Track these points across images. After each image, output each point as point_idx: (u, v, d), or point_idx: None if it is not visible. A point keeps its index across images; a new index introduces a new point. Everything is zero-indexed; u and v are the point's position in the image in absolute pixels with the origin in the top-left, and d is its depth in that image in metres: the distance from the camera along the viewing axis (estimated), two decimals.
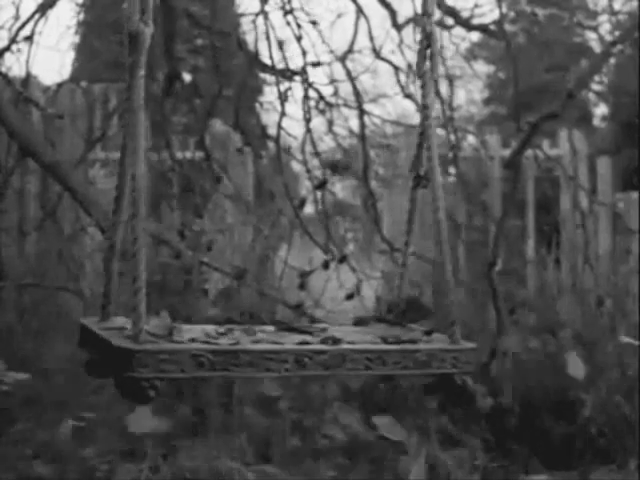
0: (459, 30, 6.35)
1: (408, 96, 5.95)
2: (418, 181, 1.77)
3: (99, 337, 1.48)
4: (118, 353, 1.38)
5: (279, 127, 5.25)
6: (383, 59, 6.16)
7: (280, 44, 5.08)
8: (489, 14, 6.28)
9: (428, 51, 1.71)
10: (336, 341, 1.54)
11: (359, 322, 1.77)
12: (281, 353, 1.46)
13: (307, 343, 1.53)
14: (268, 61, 5.21)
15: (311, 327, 1.66)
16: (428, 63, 1.71)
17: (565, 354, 4.40)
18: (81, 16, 6.48)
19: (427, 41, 1.71)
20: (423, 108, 1.72)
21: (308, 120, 5.26)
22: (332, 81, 6.03)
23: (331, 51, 5.67)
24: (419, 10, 1.74)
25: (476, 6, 6.04)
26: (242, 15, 7.04)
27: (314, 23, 5.20)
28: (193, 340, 1.46)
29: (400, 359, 1.54)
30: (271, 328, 1.66)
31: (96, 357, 1.52)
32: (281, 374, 1.46)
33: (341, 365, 1.49)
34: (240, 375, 1.44)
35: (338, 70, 6.10)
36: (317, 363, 1.48)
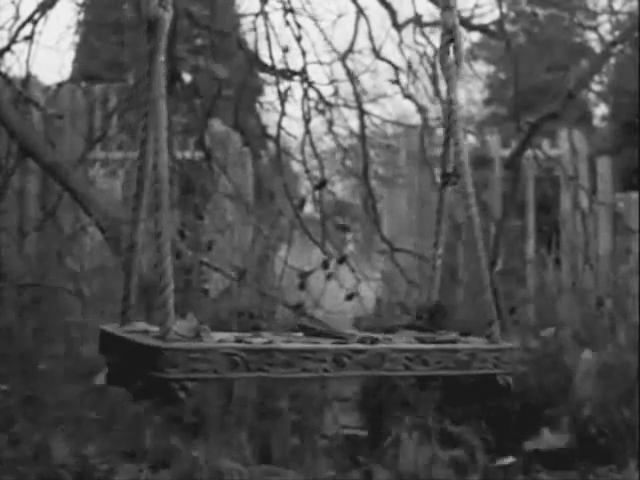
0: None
1: (408, 96, 5.94)
2: (447, 179, 1.70)
3: (123, 339, 1.40)
4: (145, 352, 1.30)
5: (279, 127, 5.26)
6: (383, 59, 6.15)
7: (284, 50, 5.08)
8: (489, 14, 6.28)
9: (451, 45, 1.67)
10: (374, 341, 1.48)
11: (388, 329, 1.68)
12: (318, 352, 1.39)
13: (343, 342, 1.46)
14: (268, 61, 5.21)
15: (342, 332, 1.55)
16: (452, 57, 1.67)
17: (567, 353, 4.39)
18: (81, 16, 6.47)
19: (449, 35, 1.67)
20: (449, 103, 1.66)
21: (308, 120, 5.26)
22: (332, 81, 6.03)
23: (332, 50, 5.67)
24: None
25: (476, 6, 6.04)
26: (242, 15, 7.04)
27: (315, 20, 5.20)
28: (222, 341, 1.38)
29: (441, 359, 1.48)
30: (299, 334, 1.56)
31: (118, 363, 1.43)
32: (319, 374, 1.39)
33: (381, 365, 1.43)
34: (276, 376, 1.36)
35: (338, 70, 6.10)
36: (356, 362, 1.41)
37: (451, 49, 1.68)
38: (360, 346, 1.45)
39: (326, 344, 1.44)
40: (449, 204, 1.70)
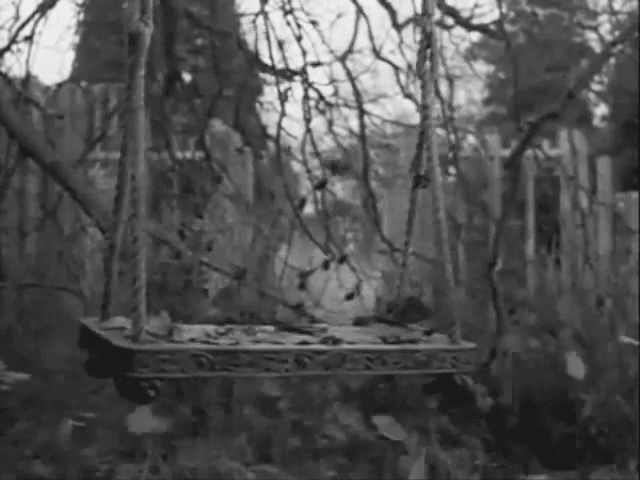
0: (459, 30, 6.35)
1: (408, 96, 5.94)
2: (418, 181, 1.77)
3: (99, 337, 1.48)
4: (118, 353, 1.38)
5: (279, 127, 5.25)
6: (383, 59, 6.15)
7: (280, 44, 5.08)
8: (489, 14, 6.29)
9: (428, 51, 1.71)
10: (336, 341, 1.54)
11: (359, 322, 1.77)
12: (281, 353, 1.46)
13: (307, 343, 1.53)
14: (268, 61, 5.21)
15: (311, 327, 1.66)
16: (428, 63, 1.71)
17: (565, 354, 4.40)
18: (81, 16, 6.48)
19: (427, 41, 1.71)
20: (423, 108, 1.72)
21: (308, 120, 5.26)
22: (332, 81, 6.03)
23: (331, 51, 5.67)
24: (419, 10, 1.74)
25: (476, 6, 6.05)
26: (242, 15, 7.04)
27: (314, 23, 5.20)
28: (193, 340, 1.46)
29: (400, 359, 1.54)
30: (271, 328, 1.66)
31: (96, 357, 1.52)
32: (281, 374, 1.46)
33: (341, 365, 1.49)
34: (240, 375, 1.43)
35: (338, 70, 6.11)
36: (317, 363, 1.48)
37: (428, 55, 1.71)
38: (321, 347, 1.50)
39: (289, 345, 1.50)
40: (420, 205, 1.76)
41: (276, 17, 5.17)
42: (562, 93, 4.56)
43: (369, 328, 1.73)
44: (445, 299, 1.66)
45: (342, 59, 5.88)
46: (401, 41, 5.99)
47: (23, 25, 4.93)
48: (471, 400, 1.61)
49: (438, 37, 1.73)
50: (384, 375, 1.63)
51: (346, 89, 6.22)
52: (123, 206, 1.56)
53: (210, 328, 1.59)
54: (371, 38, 6.03)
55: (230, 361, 1.42)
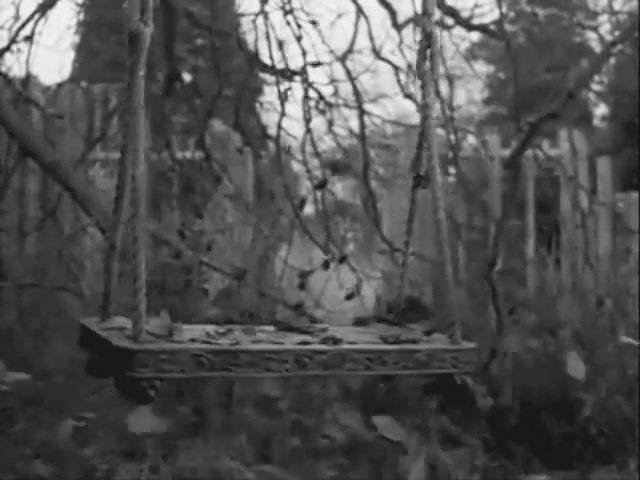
0: (459, 30, 6.35)
1: (408, 96, 5.94)
2: (418, 181, 1.76)
3: (99, 337, 1.48)
4: (118, 353, 1.38)
5: (279, 127, 5.25)
6: (383, 59, 6.15)
7: (280, 44, 5.08)
8: (489, 14, 6.29)
9: (428, 51, 1.71)
10: (336, 341, 1.54)
11: (359, 322, 1.77)
12: (281, 353, 1.46)
13: (307, 343, 1.53)
14: (268, 61, 5.21)
15: (311, 327, 1.66)
16: (428, 63, 1.71)
17: (565, 354, 4.40)
18: (81, 16, 6.48)
19: (427, 41, 1.70)
20: (423, 108, 1.71)
21: (308, 120, 5.26)
22: (332, 81, 6.03)
23: (331, 51, 5.67)
24: (419, 10, 1.73)
25: (476, 6, 6.05)
26: (242, 15, 7.04)
27: (314, 23, 5.20)
28: (193, 340, 1.46)
29: (400, 359, 1.54)
30: (271, 328, 1.66)
31: (96, 357, 1.52)
32: (281, 374, 1.46)
33: (341, 365, 1.49)
34: (240, 375, 1.43)
35: (338, 70, 6.10)
36: (317, 363, 1.47)
37: (428, 55, 1.70)
38: (321, 347, 1.50)
39: (289, 345, 1.50)
40: (420, 205, 1.76)
41: (276, 17, 5.17)
42: (562, 93, 4.56)
43: (369, 328, 1.73)
44: (445, 299, 1.66)
45: (342, 59, 5.88)
46: (401, 41, 5.99)
47: (23, 25, 4.93)
48: (471, 400, 1.61)
49: (438, 37, 1.73)
50: (384, 375, 1.62)
51: (346, 89, 6.22)
52: (123, 206, 1.56)
53: (210, 328, 1.59)
54: (371, 38, 6.03)
55: (230, 361, 1.42)
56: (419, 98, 1.73)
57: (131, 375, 1.36)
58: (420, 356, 1.55)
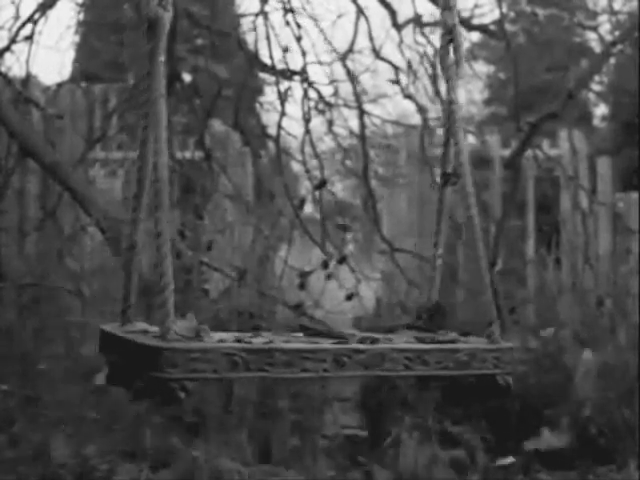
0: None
1: (408, 96, 5.94)
2: (447, 179, 1.70)
3: (123, 339, 1.40)
4: (145, 352, 1.30)
5: (279, 127, 5.26)
6: (383, 59, 6.15)
7: (284, 50, 5.08)
8: (489, 14, 6.28)
9: (451, 46, 1.67)
10: (374, 341, 1.48)
11: (389, 329, 1.69)
12: (318, 352, 1.39)
13: (344, 342, 1.46)
14: (268, 61, 5.21)
15: (342, 332, 1.55)
16: (452, 57, 1.66)
17: (576, 351, 4.39)
18: (81, 16, 6.47)
19: (450, 35, 1.67)
20: (449, 104, 1.66)
21: (308, 120, 5.26)
22: (332, 81, 6.03)
23: (331, 51, 5.67)
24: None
25: (476, 6, 6.04)
26: (242, 15, 7.03)
27: (315, 20, 5.20)
28: (222, 341, 1.38)
29: (441, 359, 1.48)
30: (300, 334, 1.56)
31: (118, 363, 1.44)
32: (319, 374, 1.39)
33: (380, 365, 1.43)
34: (276, 376, 1.36)
35: (338, 70, 6.10)
36: (356, 362, 1.41)
37: (451, 49, 1.67)
38: (360, 346, 1.45)
39: (326, 344, 1.44)
40: (449, 204, 1.70)
41: (276, 17, 5.17)
42: (562, 93, 4.57)
43: (400, 335, 1.65)
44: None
45: (342, 59, 5.88)
46: (401, 41, 5.99)
47: (23, 25, 4.93)
48: (510, 401, 1.56)
49: (460, 31, 1.68)
50: (422, 378, 1.57)
51: (346, 89, 6.22)
52: (143, 203, 1.48)
53: (238, 334, 1.50)
54: (371, 38, 6.03)
55: (265, 360, 1.34)
56: (419, 98, 1.72)
57: (159, 375, 1.29)
58: (461, 356, 1.50)
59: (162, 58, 1.43)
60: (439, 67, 1.68)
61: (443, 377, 1.52)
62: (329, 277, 4.66)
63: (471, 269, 6.84)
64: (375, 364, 1.43)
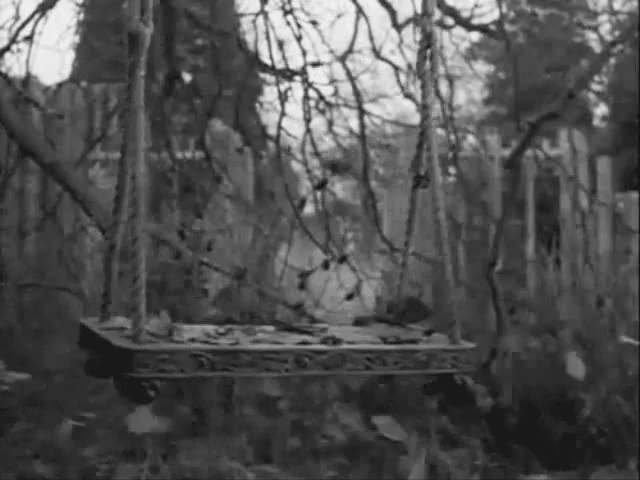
0: (459, 30, 6.35)
1: (408, 96, 5.94)
2: (418, 181, 1.77)
3: (99, 337, 1.48)
4: (118, 353, 1.38)
5: (279, 127, 5.25)
6: (383, 59, 6.15)
7: (280, 44, 5.08)
8: (489, 14, 6.28)
9: (428, 51, 1.71)
10: (336, 341, 1.54)
11: (359, 322, 1.77)
12: (281, 353, 1.46)
13: (307, 343, 1.53)
14: (268, 61, 5.21)
15: (311, 327, 1.66)
16: (428, 63, 1.71)
17: (565, 354, 4.40)
18: (81, 16, 6.47)
19: (427, 41, 1.71)
20: (423, 108, 1.72)
21: (308, 120, 5.26)
22: (332, 81, 6.03)
23: (331, 51, 5.67)
24: (419, 10, 1.74)
25: (476, 6, 6.04)
26: (242, 15, 7.04)
27: (314, 23, 5.20)
28: (193, 340, 1.46)
29: (400, 359, 1.54)
30: (271, 328, 1.66)
31: (96, 357, 1.52)
32: (281, 374, 1.46)
33: (341, 365, 1.50)
34: (240, 375, 1.44)
35: (338, 70, 6.10)
36: (317, 363, 1.48)
37: (428, 55, 1.71)
38: (321, 347, 1.51)
39: (289, 345, 1.50)
40: (420, 205, 1.76)
41: (276, 17, 5.17)
42: (562, 93, 4.56)
43: (369, 328, 1.73)
44: (444, 299, 1.66)
45: (342, 59, 5.88)
46: (401, 41, 5.99)
47: (23, 25, 4.93)
48: (471, 400, 1.61)
49: (438, 37, 1.73)
50: (384, 375, 1.63)
51: (346, 89, 6.22)
52: (123, 206, 1.56)
53: (210, 328, 1.59)
54: (371, 38, 6.03)
55: (230, 361, 1.42)
56: (419, 98, 1.73)
57: (131, 375, 1.37)
58: (420, 356, 1.56)
59: (142, 72, 1.49)
60: (417, 71, 1.71)
61: (407, 375, 1.59)
62: (326, 266, 4.67)
63: (471, 269, 6.85)
64: (336, 364, 1.49)
